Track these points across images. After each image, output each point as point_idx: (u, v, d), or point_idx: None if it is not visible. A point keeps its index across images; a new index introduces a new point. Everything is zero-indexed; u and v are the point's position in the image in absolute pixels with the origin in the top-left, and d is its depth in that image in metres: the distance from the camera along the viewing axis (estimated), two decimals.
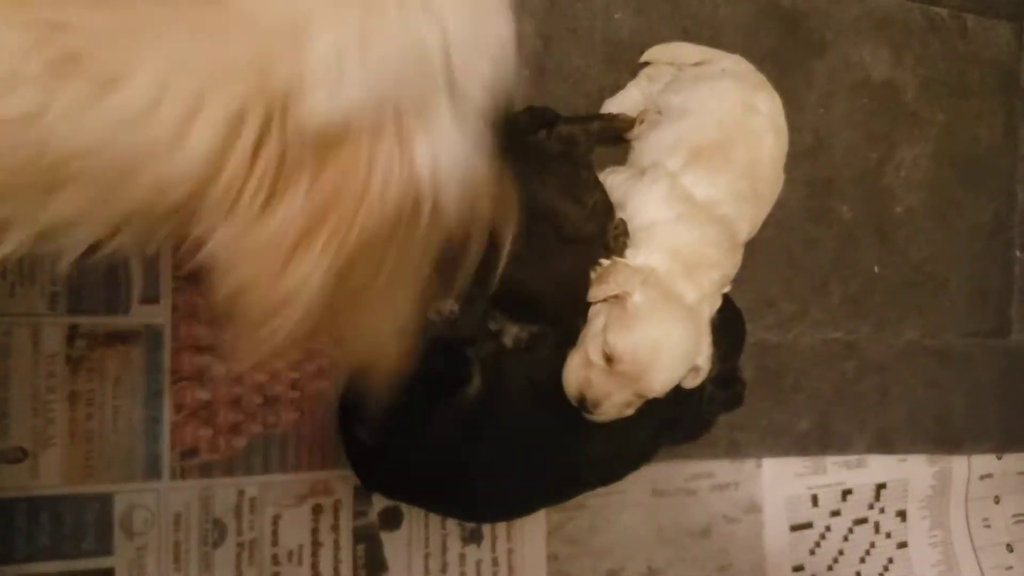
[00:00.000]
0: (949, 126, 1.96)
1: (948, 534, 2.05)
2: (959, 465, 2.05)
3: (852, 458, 1.93)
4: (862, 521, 1.96)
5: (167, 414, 1.44)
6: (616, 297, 1.41)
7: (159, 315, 1.45)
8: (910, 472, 2.01)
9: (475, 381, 1.44)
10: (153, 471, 1.44)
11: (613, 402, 1.40)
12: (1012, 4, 2.02)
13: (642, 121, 1.62)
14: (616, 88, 1.67)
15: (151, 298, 1.44)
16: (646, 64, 1.70)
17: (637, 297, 1.40)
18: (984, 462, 2.08)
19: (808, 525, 1.91)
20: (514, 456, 1.44)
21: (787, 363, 1.81)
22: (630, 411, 1.43)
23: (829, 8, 1.85)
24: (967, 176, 1.98)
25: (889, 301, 1.91)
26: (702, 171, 1.54)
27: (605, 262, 1.47)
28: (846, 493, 1.95)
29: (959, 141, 1.97)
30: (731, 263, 1.54)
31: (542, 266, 1.48)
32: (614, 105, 1.66)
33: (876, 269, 1.90)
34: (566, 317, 1.50)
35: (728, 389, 1.58)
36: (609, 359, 1.39)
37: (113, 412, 1.42)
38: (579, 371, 1.42)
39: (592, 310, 1.46)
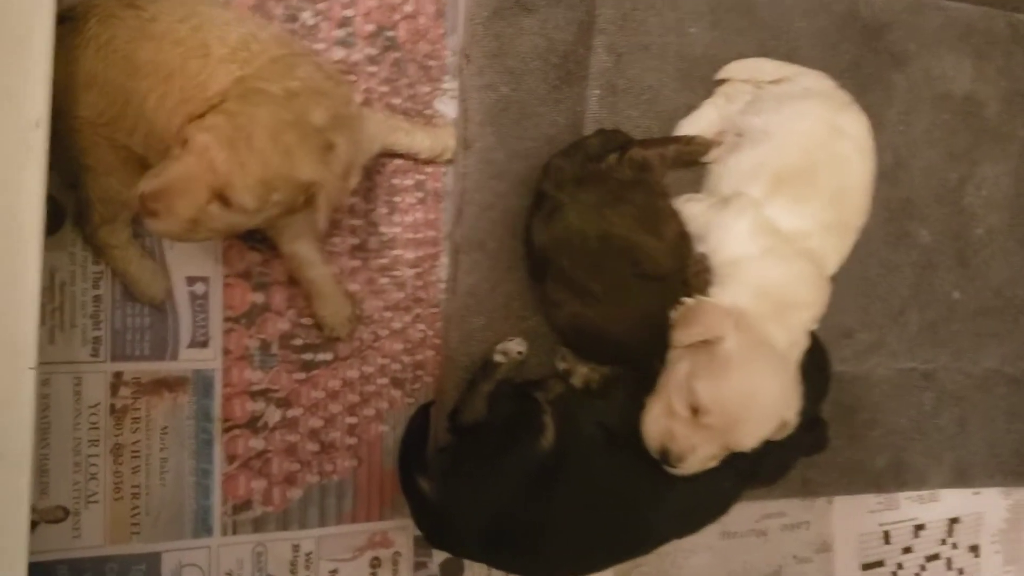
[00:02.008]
0: None
1: (1022, 569, 1.95)
2: None
3: (925, 492, 1.83)
4: (934, 558, 1.87)
5: (218, 465, 1.35)
6: (705, 342, 1.30)
7: (209, 359, 1.34)
8: (984, 505, 1.91)
9: (548, 432, 1.34)
10: (203, 527, 1.34)
11: (698, 456, 1.30)
12: None
13: (719, 144, 1.50)
14: (690, 108, 1.56)
15: (200, 341, 1.34)
16: (722, 82, 1.58)
17: (729, 343, 1.29)
18: None
19: (879, 564, 1.82)
20: (588, 511, 1.34)
21: (863, 397, 1.71)
22: (714, 463, 1.33)
23: (911, 18, 1.73)
24: None
25: (968, 328, 1.81)
26: (787, 200, 1.42)
27: (688, 301, 1.36)
28: (918, 528, 1.85)
29: None
30: (821, 302, 1.43)
31: (617, 304, 1.37)
32: (689, 126, 1.54)
33: (955, 295, 1.79)
34: (642, 359, 1.39)
35: (812, 432, 1.47)
36: (695, 410, 1.28)
37: (160, 465, 1.32)
38: (661, 421, 1.31)
39: (673, 353, 1.35)
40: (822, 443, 1.51)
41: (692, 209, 1.45)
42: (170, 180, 1.02)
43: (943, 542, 1.88)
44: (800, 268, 1.40)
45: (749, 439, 1.30)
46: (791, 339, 1.39)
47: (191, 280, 1.34)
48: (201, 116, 1.06)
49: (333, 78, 1.19)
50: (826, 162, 1.46)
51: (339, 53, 1.40)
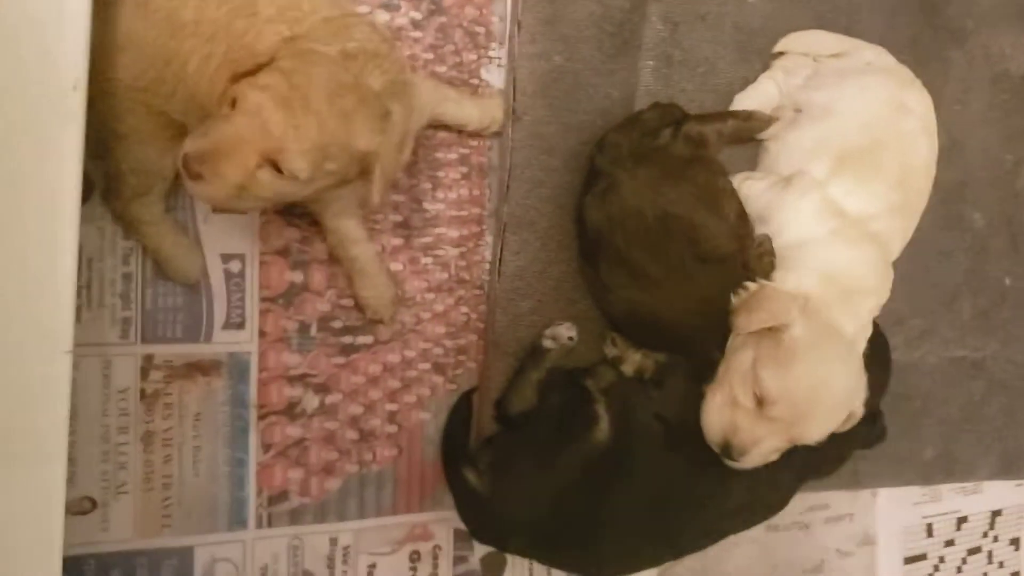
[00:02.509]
0: None
1: None
2: None
3: (969, 484, 1.78)
4: (975, 551, 1.82)
5: (253, 454, 1.27)
6: (770, 329, 1.23)
7: (245, 342, 1.26)
8: None
9: (603, 423, 1.27)
10: (238, 520, 1.26)
11: (761, 450, 1.23)
12: None
13: (778, 120, 1.43)
14: (747, 82, 1.48)
15: (235, 323, 1.26)
16: (779, 55, 1.50)
17: (797, 330, 1.22)
18: None
19: (922, 557, 1.76)
20: (646, 507, 1.28)
21: (914, 386, 1.64)
22: (776, 456, 1.26)
23: None
24: None
25: (1018, 316, 1.75)
26: (851, 180, 1.35)
27: (751, 285, 1.28)
28: (961, 521, 1.80)
29: None
30: (886, 287, 1.37)
31: (676, 288, 1.30)
32: (747, 101, 1.47)
33: (1007, 281, 1.73)
34: (699, 346, 1.32)
35: (872, 424, 1.41)
36: (760, 401, 1.21)
37: (193, 454, 1.24)
38: (723, 413, 1.24)
39: (734, 341, 1.28)
40: (881, 435, 1.45)
41: (752, 188, 1.38)
42: (218, 141, 0.93)
43: (985, 535, 1.83)
44: (867, 252, 1.34)
45: (816, 432, 1.24)
46: (857, 326, 1.32)
47: (226, 257, 1.25)
48: (251, 73, 0.97)
49: (388, 41, 1.11)
50: (891, 141, 1.39)
51: (383, 17, 1.31)
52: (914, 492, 1.74)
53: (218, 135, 0.94)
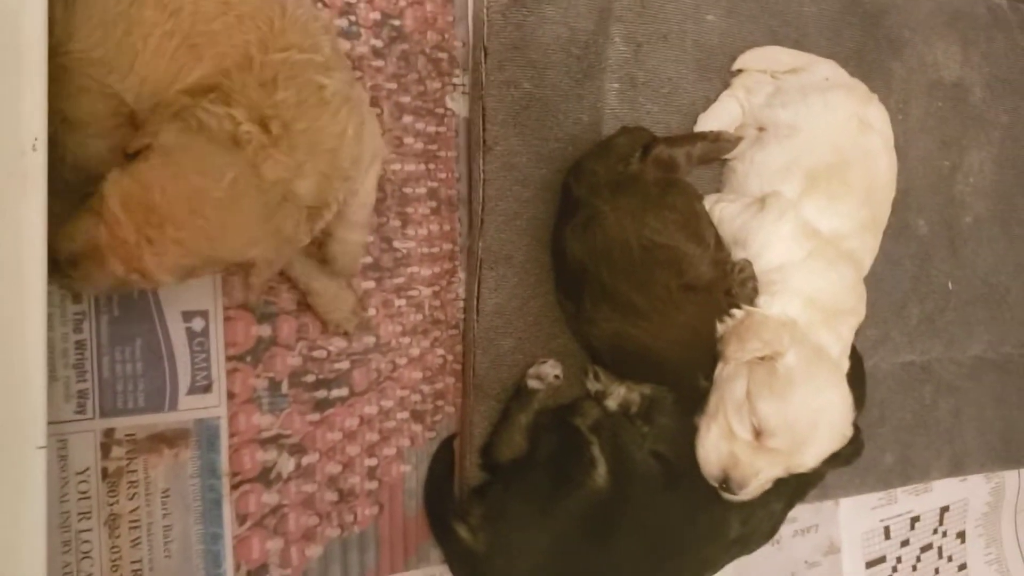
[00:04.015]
0: (1011, 127, 1.84)
1: (1001, 550, 1.97)
2: (1011, 478, 1.98)
3: (921, 484, 1.82)
4: (927, 548, 1.86)
5: (228, 527, 1.16)
6: (762, 357, 1.21)
7: (213, 406, 1.16)
8: (969, 491, 1.92)
9: (601, 467, 1.22)
10: None
11: (760, 481, 1.21)
12: None
13: (742, 139, 1.41)
14: (708, 100, 1.46)
15: (201, 386, 1.15)
16: (739, 72, 1.48)
17: (791, 358, 1.20)
18: None
19: (881, 560, 1.79)
20: (648, 551, 1.24)
21: (871, 394, 1.65)
22: (769, 486, 1.24)
23: (905, 3, 1.69)
24: None
25: (960, 317, 1.79)
26: (823, 199, 1.35)
27: (737, 312, 1.26)
28: (914, 521, 1.84)
29: (1020, 143, 1.86)
30: (863, 306, 1.36)
31: (661, 318, 1.26)
32: (710, 120, 1.44)
33: (950, 285, 1.77)
34: (687, 376, 1.29)
35: (853, 443, 1.41)
36: (759, 433, 1.19)
37: (164, 533, 1.13)
38: (720, 446, 1.21)
39: (724, 370, 1.25)
40: (859, 450, 1.44)
41: (725, 211, 1.35)
42: (83, 248, 0.88)
43: (935, 531, 1.87)
44: (844, 272, 1.33)
45: (814, 459, 1.22)
46: (841, 348, 1.31)
47: (188, 315, 1.14)
48: (128, 157, 0.91)
49: (348, 98, 1.03)
50: (857, 158, 1.39)
51: (343, 46, 1.21)
52: (872, 497, 1.76)
53: (82, 241, 0.88)
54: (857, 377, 1.41)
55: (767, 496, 1.26)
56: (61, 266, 0.88)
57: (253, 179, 0.94)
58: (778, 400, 1.19)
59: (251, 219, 0.93)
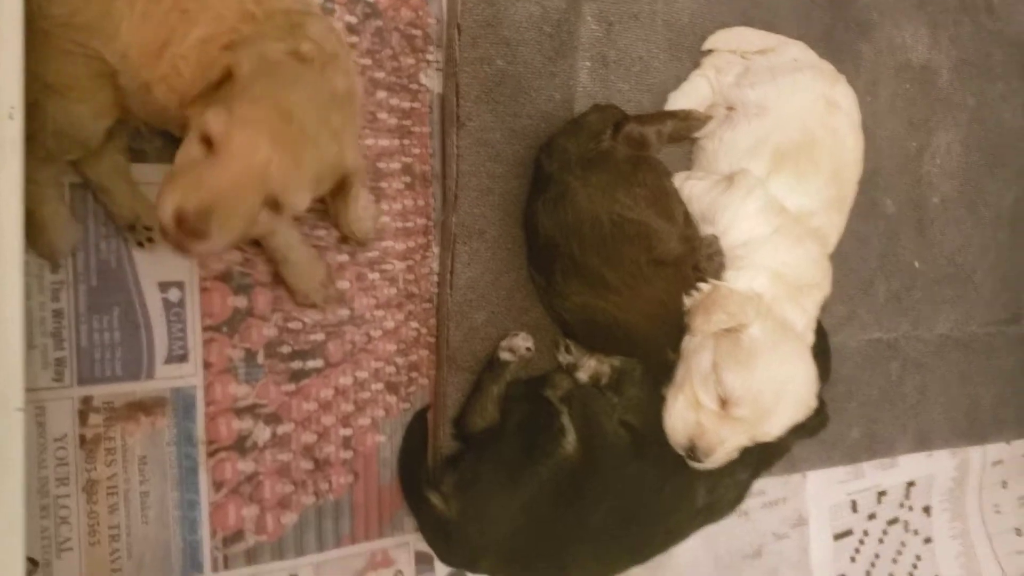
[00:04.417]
0: (978, 110, 1.88)
1: (966, 524, 2.02)
2: (976, 454, 2.02)
3: (887, 459, 1.86)
4: (894, 521, 1.90)
5: (205, 495, 1.19)
6: (728, 329, 1.24)
7: (189, 375, 1.18)
8: (935, 467, 1.96)
9: (570, 435, 1.25)
10: (193, 565, 1.18)
11: (726, 449, 1.24)
12: None
13: (712, 118, 1.43)
14: (679, 80, 1.48)
15: (178, 356, 1.17)
16: (709, 52, 1.51)
17: (755, 330, 1.23)
18: (996, 448, 2.05)
19: (848, 532, 1.83)
20: (618, 518, 1.26)
21: (838, 370, 1.69)
22: (736, 455, 1.28)
23: None
24: (993, 161, 1.91)
25: (927, 296, 1.83)
26: (790, 177, 1.37)
27: (704, 286, 1.29)
28: (881, 495, 1.88)
29: (986, 125, 1.89)
30: (828, 281, 1.40)
31: (630, 292, 1.29)
32: (681, 99, 1.47)
33: (916, 264, 1.80)
34: (655, 348, 1.32)
35: (817, 415, 1.44)
36: (724, 402, 1.22)
37: (141, 500, 1.15)
38: (687, 416, 1.25)
39: (691, 342, 1.28)
40: (824, 422, 1.48)
41: (694, 188, 1.38)
42: (217, 191, 0.82)
43: (901, 505, 1.91)
44: (809, 248, 1.36)
45: (779, 428, 1.25)
46: (806, 321, 1.34)
47: (164, 286, 1.16)
48: (205, 94, 0.88)
49: (343, 44, 1.04)
50: (824, 137, 1.41)
51: None
52: (839, 471, 1.80)
53: (214, 184, 0.83)
54: (822, 351, 1.44)
55: (733, 465, 1.29)
56: (190, 223, 0.81)
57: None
58: (743, 370, 1.22)
59: (353, 120, 0.95)
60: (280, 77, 0.88)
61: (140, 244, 1.13)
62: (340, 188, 0.97)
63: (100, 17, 0.94)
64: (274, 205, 0.86)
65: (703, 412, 1.24)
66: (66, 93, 0.98)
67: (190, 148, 0.86)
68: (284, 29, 0.95)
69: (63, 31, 0.94)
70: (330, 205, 1.12)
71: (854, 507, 1.84)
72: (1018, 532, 2.10)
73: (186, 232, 0.82)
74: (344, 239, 1.27)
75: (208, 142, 0.84)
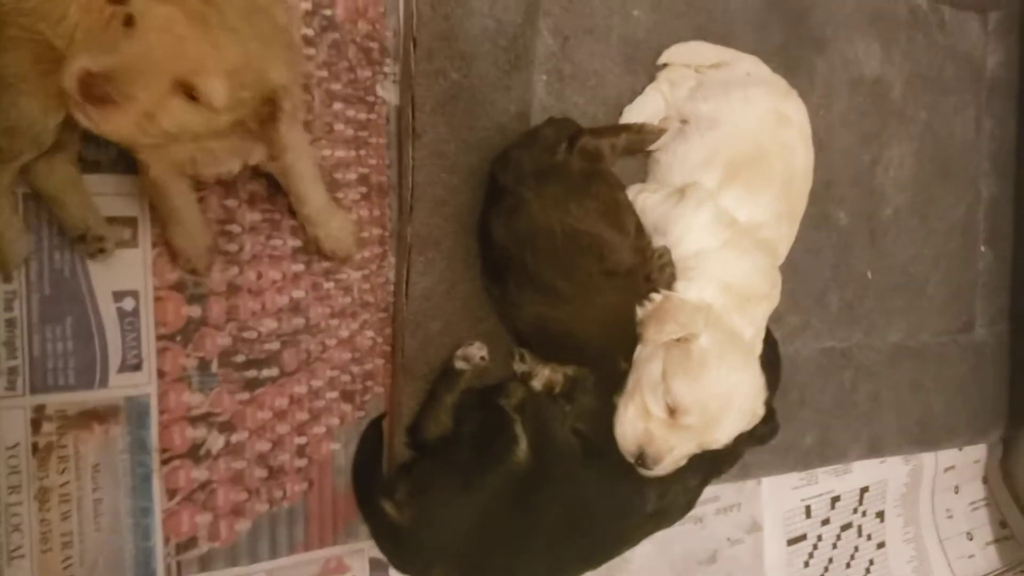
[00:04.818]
0: (930, 123, 1.92)
1: (919, 528, 2.06)
2: (929, 460, 2.06)
3: (841, 465, 1.89)
4: (847, 527, 1.94)
5: (158, 502, 1.20)
6: (677, 339, 1.26)
7: (143, 384, 1.19)
8: (888, 473, 2.00)
9: (522, 443, 1.27)
10: (146, 572, 1.19)
11: (674, 457, 1.27)
12: None
13: (666, 131, 1.46)
14: (634, 93, 1.50)
15: (132, 364, 1.18)
16: (664, 67, 1.53)
17: (704, 340, 1.26)
18: (948, 455, 2.10)
19: (802, 538, 1.86)
20: (569, 524, 1.29)
21: (791, 378, 1.72)
22: (685, 462, 1.30)
23: (827, 2, 1.75)
24: (945, 173, 1.95)
25: (879, 306, 1.87)
26: (741, 190, 1.40)
27: (656, 297, 1.31)
28: (835, 500, 1.91)
29: (938, 138, 1.93)
30: (777, 292, 1.43)
31: (583, 302, 1.31)
32: (635, 113, 1.49)
33: (869, 274, 1.84)
34: (608, 357, 1.34)
35: (767, 422, 1.47)
36: (673, 411, 1.25)
37: (94, 507, 1.16)
38: (636, 424, 1.27)
39: (642, 352, 1.31)
40: (775, 430, 1.51)
41: (647, 201, 1.41)
42: (127, 58, 0.80)
43: (855, 511, 1.95)
44: (758, 260, 1.39)
45: (725, 437, 1.28)
46: (754, 331, 1.37)
47: (118, 295, 1.17)
48: None
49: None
50: (775, 151, 1.44)
51: None
52: (793, 477, 1.83)
53: (127, 52, 0.81)
54: (771, 360, 1.47)
55: (683, 472, 1.32)
56: (94, 85, 0.79)
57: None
58: (692, 380, 1.25)
59: (285, 42, 0.93)
60: None
61: (91, 255, 1.14)
62: (267, 113, 0.94)
63: (47, 2, 0.94)
64: (189, 92, 0.84)
65: (652, 420, 1.26)
66: (16, 84, 0.97)
67: (111, 26, 0.84)
68: None
69: (10, 17, 0.94)
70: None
71: (808, 512, 1.87)
72: (969, 536, 2.14)
73: (90, 98, 0.80)
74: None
75: (130, 22, 0.82)
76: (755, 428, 1.40)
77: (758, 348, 1.38)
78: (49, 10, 0.94)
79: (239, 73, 0.86)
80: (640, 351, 1.31)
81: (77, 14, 0.94)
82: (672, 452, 1.26)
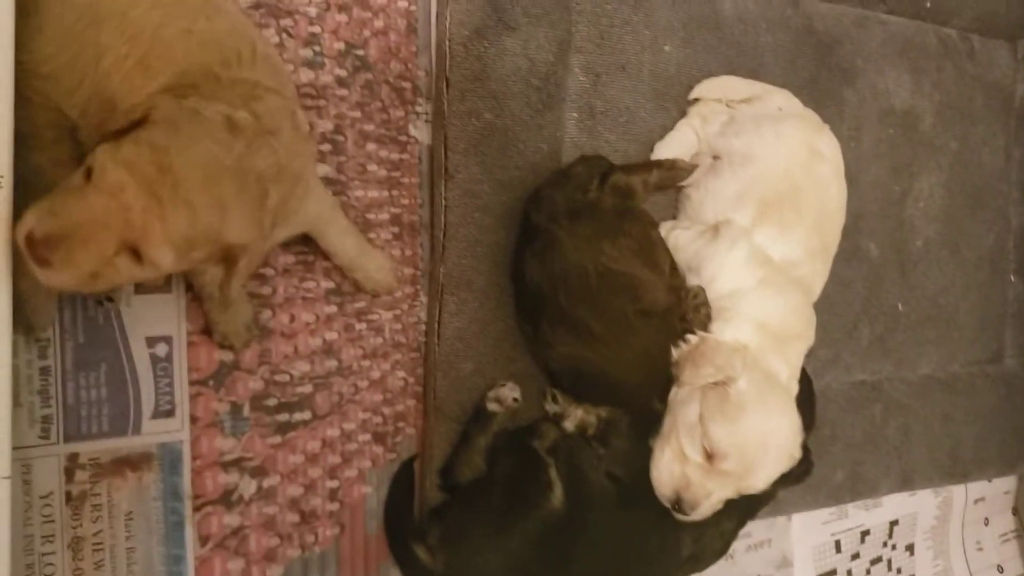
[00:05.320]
0: (960, 153, 1.90)
1: (949, 561, 2.03)
2: (959, 492, 2.04)
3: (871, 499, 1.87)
4: (877, 560, 1.91)
5: (191, 549, 1.18)
6: (716, 382, 1.25)
7: (176, 430, 1.18)
8: (918, 505, 1.97)
9: (557, 488, 1.25)
10: None
11: (712, 502, 1.25)
12: (1010, 24, 1.97)
13: (697, 167, 1.45)
14: (665, 129, 1.49)
15: (165, 411, 1.17)
16: (695, 101, 1.52)
17: (742, 383, 1.24)
18: (978, 486, 2.07)
19: (832, 573, 1.84)
20: (600, 569, 1.27)
21: (822, 413, 1.69)
22: (721, 507, 1.28)
23: (857, 33, 1.73)
24: (974, 203, 1.93)
25: (910, 338, 1.85)
26: (774, 227, 1.39)
27: (691, 338, 1.29)
28: (864, 535, 1.89)
29: (968, 168, 1.92)
30: (812, 331, 1.41)
31: (617, 343, 1.29)
32: (667, 148, 1.48)
33: (900, 307, 1.82)
34: (642, 399, 1.33)
35: (802, 463, 1.45)
36: (711, 456, 1.23)
37: (127, 556, 1.15)
38: (673, 468, 1.25)
39: (678, 394, 1.29)
40: (809, 469, 1.48)
41: (680, 238, 1.39)
42: (71, 223, 0.81)
43: (884, 544, 1.92)
44: (793, 298, 1.37)
45: (764, 481, 1.26)
46: (790, 372, 1.36)
47: (152, 341, 1.16)
48: (119, 133, 0.86)
49: (301, 131, 1.03)
50: (808, 187, 1.43)
51: (306, 75, 1.24)
52: (823, 512, 1.81)
53: (71, 216, 0.81)
54: (806, 399, 1.45)
55: (718, 516, 1.30)
56: (36, 250, 0.80)
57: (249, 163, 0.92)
58: (730, 424, 1.23)
59: (251, 199, 0.92)
60: (181, 132, 0.87)
61: (100, 304, 1.13)
62: (226, 260, 0.94)
63: (66, 70, 0.94)
64: (135, 255, 0.84)
65: (689, 465, 1.24)
66: (26, 140, 0.95)
67: (75, 176, 0.84)
68: (242, 98, 0.95)
69: (26, 77, 0.93)
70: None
71: (838, 547, 1.85)
72: (1000, 569, 2.12)
73: (34, 257, 0.81)
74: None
75: (89, 174, 0.83)
76: (790, 468, 1.38)
77: (794, 389, 1.36)
78: (65, 80, 0.95)
79: (188, 241, 0.86)
80: (675, 393, 1.29)
81: (91, 88, 0.94)
82: (709, 498, 1.24)
